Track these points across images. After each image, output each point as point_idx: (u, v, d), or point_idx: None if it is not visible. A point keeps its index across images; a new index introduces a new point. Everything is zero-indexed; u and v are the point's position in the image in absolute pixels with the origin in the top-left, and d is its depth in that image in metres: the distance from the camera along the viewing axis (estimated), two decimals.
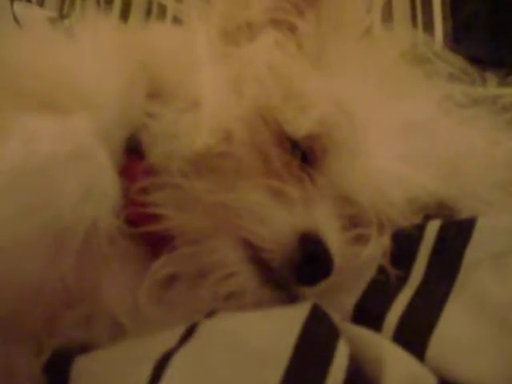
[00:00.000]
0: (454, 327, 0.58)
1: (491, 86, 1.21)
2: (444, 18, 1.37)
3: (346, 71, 0.71)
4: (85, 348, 0.61)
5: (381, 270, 0.65)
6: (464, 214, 0.72)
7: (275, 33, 0.71)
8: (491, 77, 1.29)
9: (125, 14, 1.55)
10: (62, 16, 1.54)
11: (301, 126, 0.67)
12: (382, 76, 0.72)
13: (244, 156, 0.67)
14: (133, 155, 0.68)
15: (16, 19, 1.44)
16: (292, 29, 0.73)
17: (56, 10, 1.69)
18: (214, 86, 0.67)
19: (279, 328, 0.56)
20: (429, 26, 1.38)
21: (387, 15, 1.35)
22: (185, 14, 0.76)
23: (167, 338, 0.56)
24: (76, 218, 0.58)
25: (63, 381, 0.56)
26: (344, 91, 0.69)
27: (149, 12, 1.58)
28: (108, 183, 0.61)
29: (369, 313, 0.63)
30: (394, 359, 0.54)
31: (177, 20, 0.77)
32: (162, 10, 1.49)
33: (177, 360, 0.51)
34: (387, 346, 0.56)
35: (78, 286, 0.62)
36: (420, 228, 0.68)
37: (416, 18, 1.41)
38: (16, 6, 1.51)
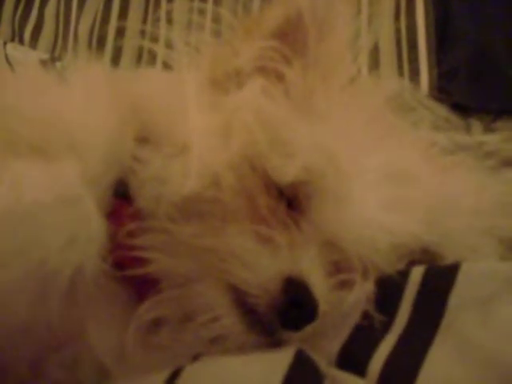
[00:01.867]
0: (439, 371, 0.58)
1: (476, 133, 1.22)
2: (429, 67, 1.39)
3: (332, 119, 0.72)
4: None
5: (365, 315, 0.65)
6: (448, 260, 0.72)
7: (263, 80, 0.72)
8: (476, 123, 1.30)
9: (116, 59, 1.57)
10: (54, 59, 1.55)
11: (286, 173, 0.67)
12: (367, 124, 0.73)
13: (231, 201, 0.67)
14: (120, 199, 0.69)
15: (8, 61, 1.45)
16: (279, 77, 0.74)
17: (48, 52, 1.71)
18: (203, 133, 0.68)
19: (263, 373, 0.56)
20: (415, 74, 1.40)
21: (374, 63, 1.37)
22: (175, 60, 0.77)
23: (152, 382, 0.56)
24: (61, 263, 0.58)
25: None
26: (330, 138, 0.69)
27: (139, 57, 1.60)
28: (94, 229, 0.62)
29: (353, 358, 0.63)
30: None
31: (167, 66, 0.78)
32: (153, 56, 1.51)
33: None
34: None
35: (63, 328, 0.62)
36: (404, 274, 0.68)
37: (402, 66, 1.43)
38: (9, 47, 1.53)
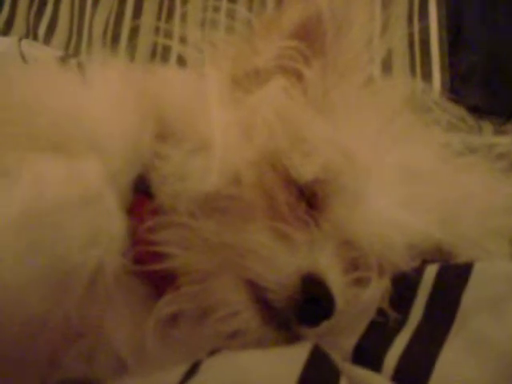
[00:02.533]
0: (453, 368, 0.59)
1: (487, 135, 1.23)
2: (442, 69, 1.40)
3: (350, 118, 0.72)
4: (87, 383, 0.62)
5: (380, 312, 0.66)
6: (461, 260, 0.73)
7: (283, 80, 0.73)
8: (487, 125, 1.31)
9: (130, 55, 1.57)
10: (69, 55, 1.56)
11: (306, 171, 0.68)
12: (384, 123, 0.74)
13: (251, 199, 0.68)
14: (141, 195, 0.70)
15: (23, 58, 1.46)
16: (298, 76, 0.75)
17: (62, 48, 1.72)
18: (224, 130, 0.69)
19: (280, 368, 0.56)
20: (427, 77, 1.40)
21: (387, 66, 1.37)
22: (190, 56, 0.77)
23: (170, 376, 0.56)
24: (82, 260, 0.59)
25: None
26: (347, 138, 0.70)
27: (153, 54, 1.61)
28: (115, 227, 0.63)
29: (368, 354, 0.64)
30: None
31: (181, 63, 0.79)
32: (167, 53, 1.52)
33: None
34: None
35: (82, 322, 0.63)
36: (418, 272, 0.69)
37: (415, 69, 1.43)
38: (24, 44, 1.53)
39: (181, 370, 0.57)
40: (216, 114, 0.70)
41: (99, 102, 0.71)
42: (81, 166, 0.63)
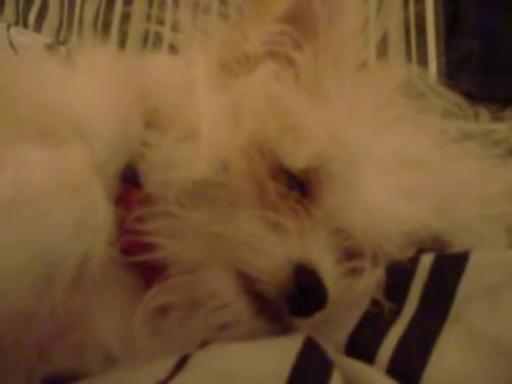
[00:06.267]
0: (448, 360, 0.58)
1: (484, 121, 1.22)
2: (438, 54, 1.39)
3: (343, 104, 0.71)
4: (75, 377, 0.61)
5: (374, 302, 0.65)
6: (457, 248, 0.72)
7: (273, 65, 0.71)
8: (483, 112, 1.30)
9: (122, 42, 1.56)
10: (59, 43, 1.54)
11: (298, 159, 0.67)
12: (378, 109, 0.73)
13: (240, 187, 0.67)
14: (129, 184, 0.68)
15: (12, 45, 1.44)
16: (290, 61, 0.73)
17: (53, 36, 1.70)
18: (212, 117, 0.67)
19: (272, 360, 0.56)
20: (423, 62, 1.39)
21: (382, 50, 1.36)
22: (181, 43, 0.76)
23: (159, 369, 0.55)
24: (67, 251, 0.59)
25: None
26: (340, 124, 0.69)
27: (145, 41, 1.59)
28: (101, 216, 0.62)
29: (362, 345, 0.63)
30: None
31: (173, 50, 0.78)
32: (159, 39, 1.50)
33: None
34: (381, 378, 0.57)
35: (70, 314, 0.62)
36: (414, 261, 0.68)
37: (410, 54, 1.42)
38: (12, 31, 1.52)
39: (169, 362, 0.56)
40: (203, 99, 0.68)
41: (85, 88, 0.70)
42: (66, 154, 0.62)
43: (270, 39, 0.74)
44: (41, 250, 0.57)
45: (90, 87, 0.70)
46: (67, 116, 0.66)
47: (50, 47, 1.37)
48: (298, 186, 0.69)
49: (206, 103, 0.68)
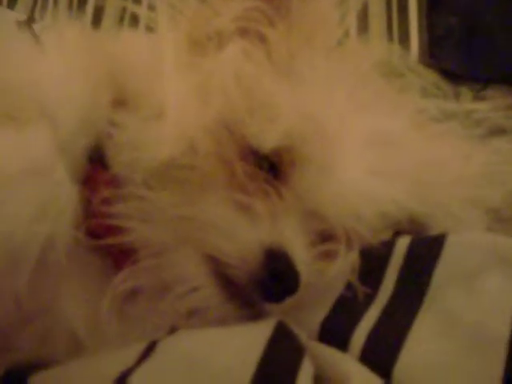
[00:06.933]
0: (422, 346, 0.57)
1: (465, 101, 1.21)
2: (420, 32, 1.38)
3: (316, 83, 0.69)
4: (41, 365, 0.59)
5: (348, 286, 0.64)
6: (435, 231, 0.71)
7: (244, 42, 0.70)
8: (465, 91, 1.29)
9: (97, 20, 1.54)
10: (32, 20, 1.52)
11: (267, 139, 0.65)
12: (353, 88, 0.71)
13: (208, 168, 0.65)
14: (96, 165, 0.67)
15: None
16: (261, 39, 0.72)
17: (27, 12, 1.67)
18: (179, 96, 0.66)
19: (242, 346, 0.55)
20: (405, 39, 1.39)
21: (363, 26, 1.36)
22: (156, 22, 0.74)
23: (126, 356, 0.54)
24: (29, 236, 0.57)
25: None
26: (313, 103, 0.67)
27: (121, 19, 1.57)
28: (65, 198, 0.60)
29: (335, 331, 0.62)
30: (360, 379, 0.53)
31: (149, 29, 0.76)
32: (135, 18, 1.49)
33: (134, 380, 0.50)
34: (353, 365, 0.56)
35: (34, 301, 0.61)
36: (389, 244, 0.67)
37: (392, 31, 1.41)
38: None
39: (137, 349, 0.55)
40: (170, 78, 0.67)
41: (51, 67, 0.68)
42: (29, 134, 0.61)
43: (241, 15, 0.72)
44: (1, 237, 0.56)
45: (56, 66, 0.68)
46: (31, 95, 0.64)
47: (21, 24, 1.35)
48: (270, 168, 0.68)
49: (173, 82, 0.67)
